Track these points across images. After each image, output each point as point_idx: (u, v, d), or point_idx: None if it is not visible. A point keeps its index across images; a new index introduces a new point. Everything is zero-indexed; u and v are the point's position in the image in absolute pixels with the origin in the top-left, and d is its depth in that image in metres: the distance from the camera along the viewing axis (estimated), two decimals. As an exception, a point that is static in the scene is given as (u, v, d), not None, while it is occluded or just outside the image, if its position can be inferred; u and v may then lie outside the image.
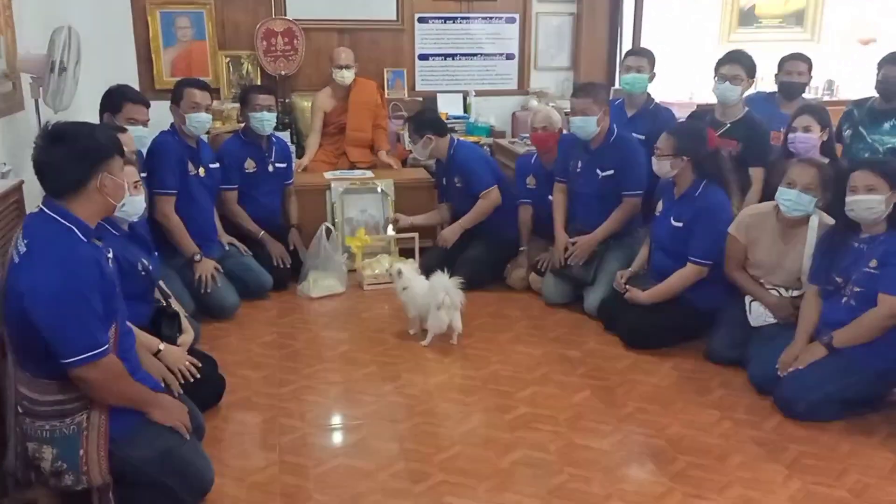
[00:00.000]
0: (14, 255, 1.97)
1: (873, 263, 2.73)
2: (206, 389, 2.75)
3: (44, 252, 1.94)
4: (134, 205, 2.67)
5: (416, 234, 4.41)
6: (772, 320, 3.16)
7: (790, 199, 3.04)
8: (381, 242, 4.58)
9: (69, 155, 1.97)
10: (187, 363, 2.58)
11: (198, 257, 3.76)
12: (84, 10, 4.89)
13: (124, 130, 3.16)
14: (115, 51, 5.12)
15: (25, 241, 1.95)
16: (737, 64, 3.83)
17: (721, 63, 3.89)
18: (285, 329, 3.67)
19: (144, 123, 3.60)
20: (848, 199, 2.79)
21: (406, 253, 4.50)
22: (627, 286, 3.58)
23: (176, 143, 3.84)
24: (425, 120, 4.35)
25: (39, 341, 1.93)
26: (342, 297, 4.11)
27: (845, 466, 2.52)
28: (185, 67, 5.34)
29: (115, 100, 3.61)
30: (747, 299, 3.23)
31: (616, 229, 3.90)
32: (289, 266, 4.21)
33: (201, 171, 3.94)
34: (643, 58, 4.18)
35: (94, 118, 3.85)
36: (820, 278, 2.94)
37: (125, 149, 3.08)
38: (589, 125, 3.79)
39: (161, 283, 2.91)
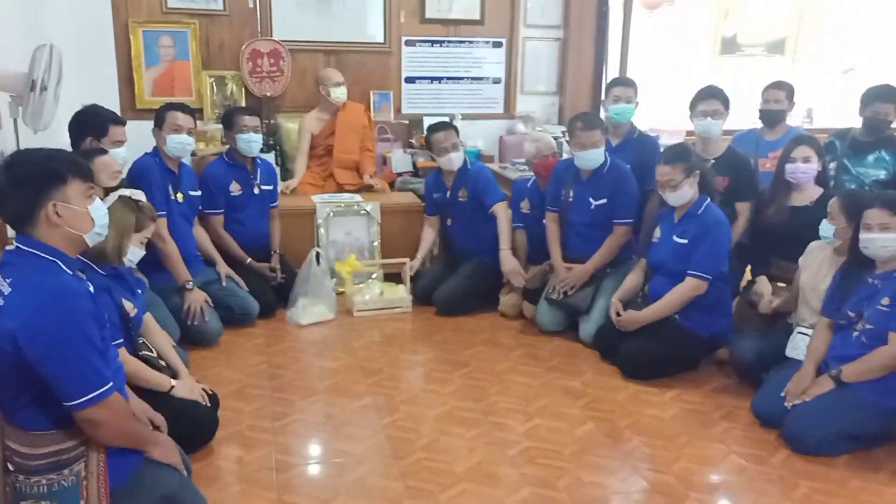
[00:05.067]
0: None
1: (885, 301, 2.70)
2: (197, 428, 2.66)
3: (33, 288, 1.79)
4: (135, 255, 2.64)
5: (406, 260, 4.33)
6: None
7: (822, 229, 3.07)
8: (371, 268, 4.49)
9: (11, 182, 1.82)
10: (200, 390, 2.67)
11: (189, 285, 3.64)
12: (64, 28, 4.77)
13: (104, 152, 3.07)
14: (95, 69, 4.98)
15: (8, 280, 1.80)
16: (714, 99, 3.82)
17: (698, 100, 3.87)
18: (275, 358, 3.56)
19: (123, 144, 3.50)
20: (862, 236, 2.77)
21: (394, 278, 4.43)
22: (620, 313, 3.54)
23: (158, 166, 3.73)
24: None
25: (33, 388, 1.80)
26: (332, 324, 4.01)
27: (857, 504, 2.48)
28: (168, 87, 5.22)
29: (98, 122, 3.48)
30: (797, 331, 3.15)
31: (609, 258, 3.87)
32: (283, 280, 4.13)
33: (180, 196, 3.83)
34: (630, 88, 4.12)
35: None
36: (832, 311, 2.92)
37: (111, 170, 3.01)
38: (599, 157, 3.78)
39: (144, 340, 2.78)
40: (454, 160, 4.25)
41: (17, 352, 1.76)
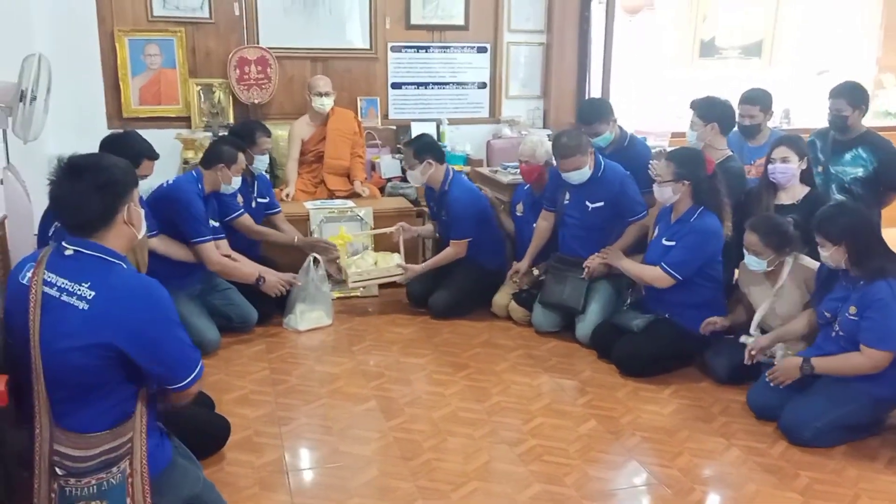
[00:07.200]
0: (74, 302, 1.82)
1: (853, 310, 2.79)
2: (209, 434, 2.68)
3: (119, 289, 1.84)
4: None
5: (399, 228, 4.38)
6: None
7: (749, 262, 3.24)
8: (363, 239, 4.59)
9: (96, 188, 1.88)
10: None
11: (261, 282, 3.87)
12: (51, 37, 4.75)
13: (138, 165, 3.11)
14: (81, 78, 4.97)
15: (86, 284, 1.83)
16: (692, 110, 3.91)
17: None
18: (277, 364, 3.57)
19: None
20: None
21: (389, 248, 4.45)
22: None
23: (200, 194, 3.79)
24: (427, 144, 4.29)
25: (104, 388, 1.86)
26: (329, 329, 4.03)
27: (856, 492, 2.56)
28: (155, 96, 5.23)
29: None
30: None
31: (632, 241, 3.92)
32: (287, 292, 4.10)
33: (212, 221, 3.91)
34: (594, 125, 4.08)
35: (62, 147, 3.70)
36: (815, 306, 3.04)
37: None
38: (584, 176, 3.84)
39: None
40: (411, 178, 4.44)
41: (114, 355, 1.82)
